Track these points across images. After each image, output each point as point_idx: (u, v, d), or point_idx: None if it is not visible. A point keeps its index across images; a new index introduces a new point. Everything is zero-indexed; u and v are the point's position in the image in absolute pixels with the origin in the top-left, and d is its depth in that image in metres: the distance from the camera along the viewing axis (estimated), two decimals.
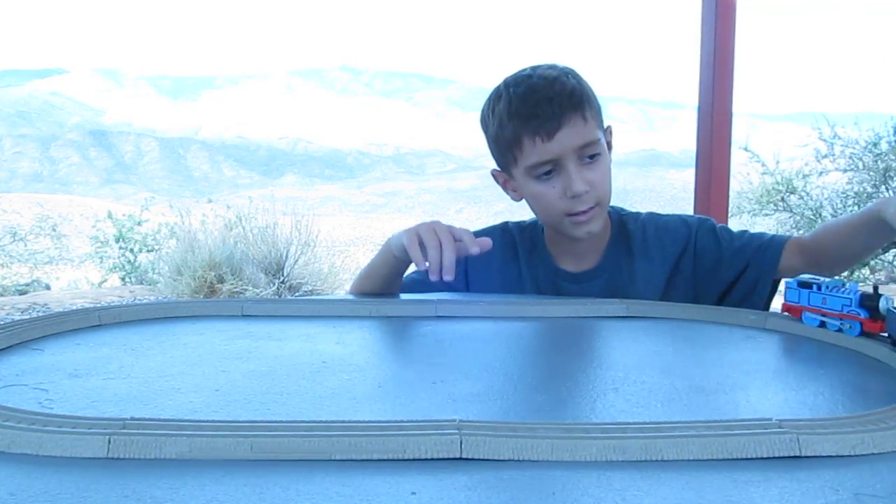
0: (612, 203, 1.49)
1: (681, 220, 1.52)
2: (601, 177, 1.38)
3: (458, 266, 1.28)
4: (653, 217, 1.54)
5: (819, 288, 1.02)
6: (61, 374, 0.80)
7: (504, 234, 1.56)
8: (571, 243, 1.47)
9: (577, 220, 1.38)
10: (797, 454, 0.58)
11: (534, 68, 1.43)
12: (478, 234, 1.45)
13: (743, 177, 10.22)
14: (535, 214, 1.49)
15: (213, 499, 0.51)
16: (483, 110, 1.48)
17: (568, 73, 1.40)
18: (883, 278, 9.64)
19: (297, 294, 6.39)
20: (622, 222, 1.51)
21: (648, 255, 1.48)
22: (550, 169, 1.37)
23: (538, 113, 1.34)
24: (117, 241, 9.75)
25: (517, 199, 1.49)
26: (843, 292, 0.98)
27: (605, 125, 1.45)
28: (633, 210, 1.57)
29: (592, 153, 1.37)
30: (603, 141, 1.40)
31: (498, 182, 1.51)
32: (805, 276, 1.06)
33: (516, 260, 1.53)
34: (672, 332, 1.10)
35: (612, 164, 1.46)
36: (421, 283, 1.45)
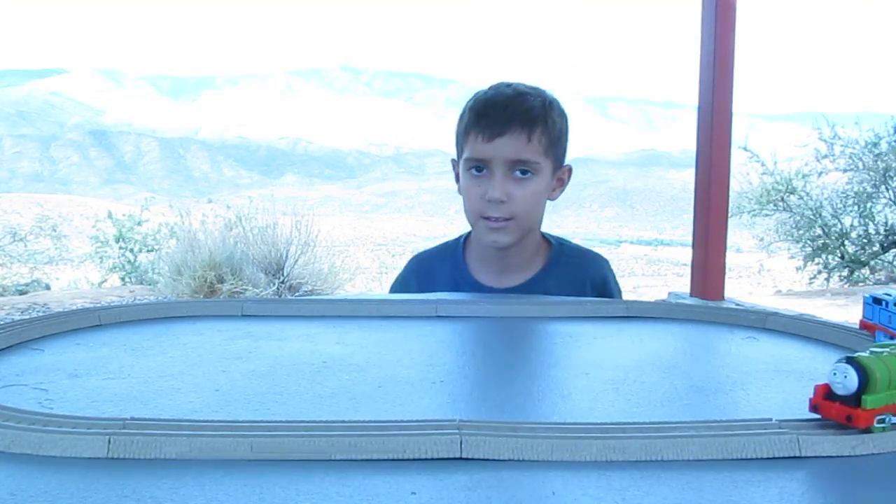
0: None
1: (592, 255, 1.64)
2: (525, 196, 1.45)
3: None
4: (578, 248, 1.64)
5: (886, 305, 0.93)
6: (61, 374, 0.80)
7: (419, 265, 1.67)
8: (495, 259, 1.55)
9: (489, 226, 1.47)
10: (797, 454, 0.58)
11: (518, 83, 1.53)
12: (394, 286, 1.64)
13: (743, 177, 10.22)
14: (464, 210, 1.56)
15: (213, 499, 0.51)
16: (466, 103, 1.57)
17: (539, 97, 1.48)
18: (883, 278, 9.64)
19: (297, 294, 6.38)
20: (560, 251, 1.60)
21: (569, 284, 1.54)
22: (482, 168, 1.46)
23: (489, 114, 1.44)
24: (117, 241, 9.75)
25: (460, 191, 1.57)
26: None
27: (566, 164, 1.55)
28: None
29: (524, 170, 1.44)
30: (541, 167, 1.46)
31: (453, 171, 1.60)
32: (879, 293, 0.96)
33: (435, 285, 1.58)
34: (672, 332, 1.10)
35: (556, 191, 1.54)
36: None
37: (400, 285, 1.65)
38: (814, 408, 0.63)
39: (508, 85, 1.51)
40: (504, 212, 1.45)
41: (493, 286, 1.55)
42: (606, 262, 1.64)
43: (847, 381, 0.60)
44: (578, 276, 1.56)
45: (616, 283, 1.61)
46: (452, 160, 1.60)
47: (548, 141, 1.46)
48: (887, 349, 0.63)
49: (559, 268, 1.56)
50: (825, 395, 0.62)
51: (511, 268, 1.55)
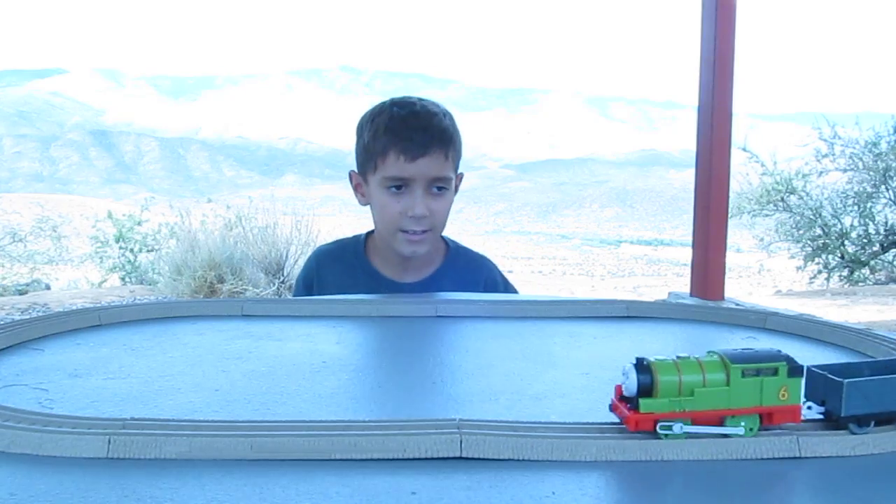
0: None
1: (484, 258, 1.75)
2: (441, 208, 1.57)
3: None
4: (472, 253, 1.75)
5: None
6: (61, 374, 0.80)
7: (323, 257, 1.73)
8: (399, 258, 1.63)
9: (409, 238, 1.57)
10: (797, 455, 0.58)
11: (419, 99, 1.62)
12: (299, 278, 1.73)
13: (742, 177, 10.22)
14: (374, 222, 1.65)
15: (213, 499, 0.51)
16: (362, 118, 1.63)
17: (446, 115, 1.60)
18: (883, 278, 9.65)
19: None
20: (456, 253, 1.70)
21: (464, 284, 1.62)
22: (401, 185, 1.54)
23: (411, 137, 1.52)
24: (117, 241, 9.74)
25: (363, 203, 1.66)
26: None
27: (460, 171, 1.66)
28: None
29: (441, 186, 1.56)
30: (453, 181, 1.59)
31: (351, 182, 1.68)
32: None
33: (337, 275, 1.67)
34: (672, 332, 1.10)
35: (454, 197, 1.63)
36: None
37: (304, 276, 1.73)
38: (610, 408, 0.62)
39: (414, 102, 1.60)
40: (425, 225, 1.55)
41: (395, 279, 1.64)
42: (495, 265, 1.75)
43: (629, 383, 0.59)
44: (473, 277, 1.66)
45: (507, 283, 1.72)
46: (352, 172, 1.67)
47: (455, 157, 1.59)
48: (698, 356, 0.60)
49: (456, 268, 1.66)
50: (619, 396, 0.61)
51: (412, 265, 1.65)
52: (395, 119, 1.56)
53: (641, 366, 0.59)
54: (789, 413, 0.59)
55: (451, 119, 1.60)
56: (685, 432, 0.58)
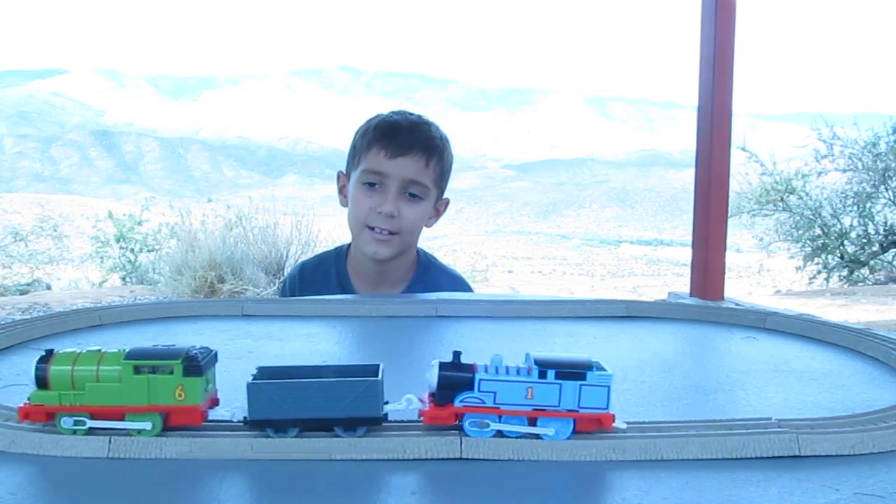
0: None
1: (456, 275, 1.76)
2: (412, 215, 1.58)
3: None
4: (444, 268, 1.77)
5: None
6: None
7: (305, 271, 1.76)
8: (372, 272, 1.65)
9: (374, 236, 1.58)
10: (796, 454, 0.58)
11: (421, 116, 1.67)
12: (283, 290, 1.76)
13: (742, 177, 10.22)
14: (348, 220, 1.67)
15: (213, 499, 0.51)
16: (362, 123, 1.69)
17: (439, 133, 1.63)
18: (882, 278, 9.64)
19: None
20: (427, 267, 1.72)
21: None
22: (376, 183, 1.57)
23: (396, 136, 1.56)
24: (118, 241, 9.74)
25: (344, 204, 1.69)
26: None
27: (445, 197, 1.68)
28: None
29: (415, 193, 1.58)
30: (430, 192, 1.60)
31: (337, 183, 1.72)
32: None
33: (318, 290, 1.67)
34: (672, 332, 1.10)
35: (431, 214, 1.65)
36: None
37: (287, 289, 1.76)
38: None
39: (412, 114, 1.65)
40: (391, 226, 1.57)
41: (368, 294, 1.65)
42: (468, 283, 1.76)
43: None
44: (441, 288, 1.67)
45: None
46: (340, 173, 1.71)
47: (439, 171, 1.61)
48: (109, 350, 0.58)
49: (426, 283, 1.68)
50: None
51: (385, 281, 1.67)
52: (386, 121, 1.61)
53: (42, 357, 0.58)
54: (188, 413, 0.57)
55: (445, 139, 1.64)
56: (86, 427, 0.56)
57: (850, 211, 10.06)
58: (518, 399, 0.58)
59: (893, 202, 9.94)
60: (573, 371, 0.58)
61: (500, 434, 0.58)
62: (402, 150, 1.55)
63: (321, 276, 1.71)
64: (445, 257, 1.81)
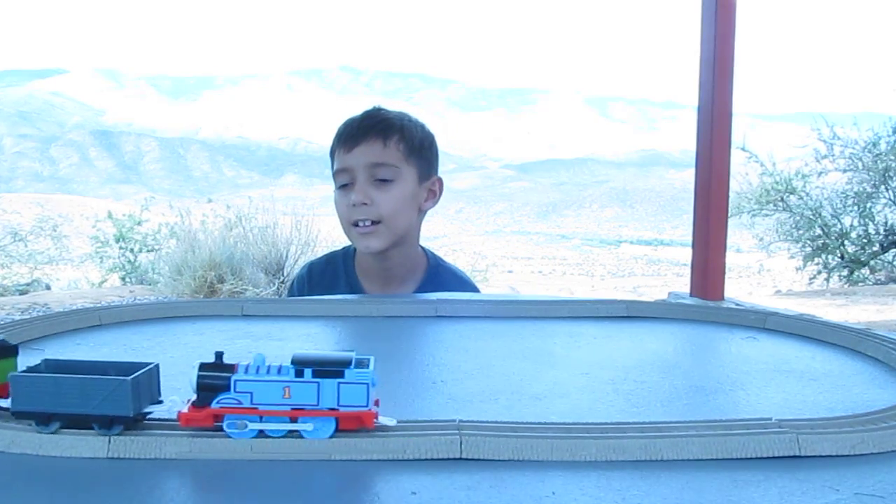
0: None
1: (466, 279, 1.74)
2: (387, 199, 1.55)
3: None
4: (453, 269, 1.75)
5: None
6: None
7: (314, 271, 1.75)
8: (378, 270, 1.64)
9: (359, 232, 1.57)
10: (796, 454, 0.58)
11: (380, 107, 1.67)
12: (290, 290, 1.76)
13: (742, 177, 10.22)
14: (340, 224, 1.65)
15: (213, 499, 0.51)
16: None
17: (402, 115, 1.63)
18: (883, 278, 9.64)
19: None
20: (437, 268, 1.70)
21: None
22: (348, 183, 1.57)
23: (349, 129, 1.59)
24: (117, 241, 9.74)
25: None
26: None
27: (437, 175, 1.67)
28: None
29: (384, 177, 1.55)
30: (402, 175, 1.57)
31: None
32: None
33: (327, 290, 1.67)
34: (672, 332, 1.10)
35: (415, 193, 1.61)
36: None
37: (295, 289, 1.75)
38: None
39: (375, 108, 1.66)
40: (370, 214, 1.55)
41: (377, 294, 1.64)
42: (474, 285, 1.74)
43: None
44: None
45: None
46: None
47: (406, 148, 1.58)
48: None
49: (437, 285, 1.65)
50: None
51: (393, 279, 1.65)
52: (343, 122, 1.63)
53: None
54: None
55: (408, 118, 1.63)
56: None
57: (851, 211, 10.06)
58: (275, 399, 0.57)
59: (894, 202, 9.94)
60: (330, 369, 0.58)
61: (262, 434, 0.57)
62: (357, 140, 1.56)
63: (330, 277, 1.70)
64: (446, 257, 1.79)
